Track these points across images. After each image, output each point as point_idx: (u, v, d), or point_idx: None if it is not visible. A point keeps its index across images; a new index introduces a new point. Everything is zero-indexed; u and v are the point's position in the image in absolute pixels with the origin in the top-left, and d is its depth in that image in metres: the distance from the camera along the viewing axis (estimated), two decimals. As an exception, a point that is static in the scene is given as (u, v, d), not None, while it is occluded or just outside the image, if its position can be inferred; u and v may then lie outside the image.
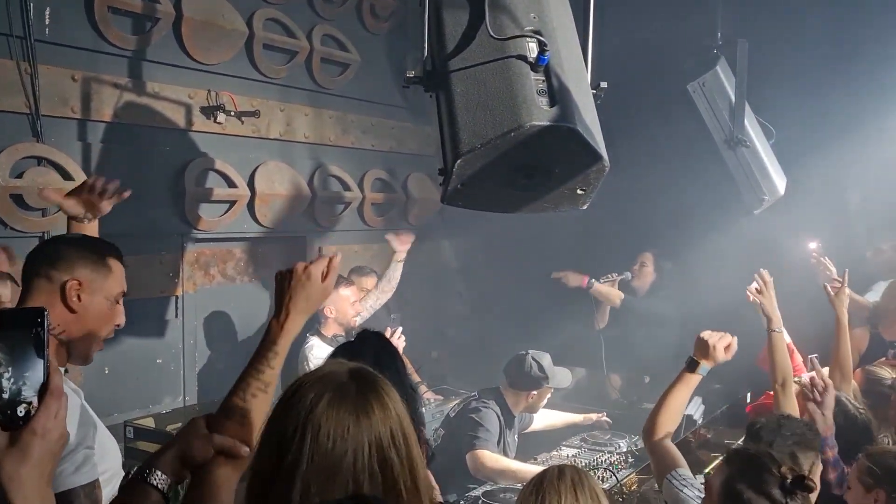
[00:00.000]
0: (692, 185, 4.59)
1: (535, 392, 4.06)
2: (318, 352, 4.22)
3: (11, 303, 4.39)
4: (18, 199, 3.54)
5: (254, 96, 4.78)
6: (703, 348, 2.64)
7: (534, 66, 2.26)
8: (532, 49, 2.29)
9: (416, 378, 2.28)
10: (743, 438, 2.96)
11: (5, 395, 1.18)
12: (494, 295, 6.29)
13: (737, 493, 2.02)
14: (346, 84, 5.45)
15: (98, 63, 3.98)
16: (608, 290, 5.30)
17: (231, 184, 4.58)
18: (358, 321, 4.58)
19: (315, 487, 1.14)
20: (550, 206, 2.48)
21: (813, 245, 4.55)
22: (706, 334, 2.67)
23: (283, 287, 1.60)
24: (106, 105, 4.01)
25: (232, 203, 4.60)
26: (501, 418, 3.98)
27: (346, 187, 5.40)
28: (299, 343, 4.75)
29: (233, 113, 4.58)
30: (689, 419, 4.22)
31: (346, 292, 4.50)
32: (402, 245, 4.87)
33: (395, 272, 4.87)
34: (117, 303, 1.96)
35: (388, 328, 4.40)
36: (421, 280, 5.90)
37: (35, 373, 1.20)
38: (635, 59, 4.35)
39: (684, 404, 2.78)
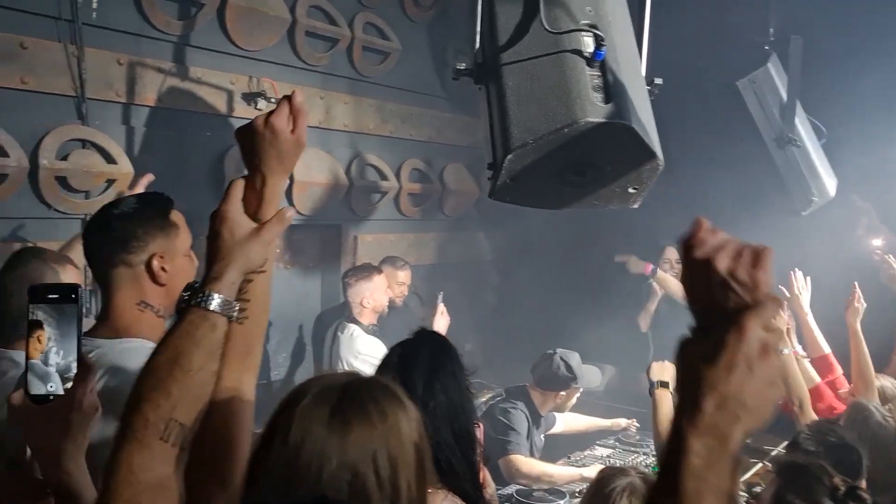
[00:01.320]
0: (739, 184, 4.48)
1: (563, 392, 4.00)
2: (363, 342, 4.22)
3: None
4: (62, 181, 3.55)
5: (294, 83, 4.76)
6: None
7: (589, 61, 2.21)
8: (588, 43, 2.24)
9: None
10: (785, 446, 2.91)
11: (52, 368, 1.22)
12: (529, 288, 6.24)
13: None
14: (387, 72, 5.42)
15: (143, 47, 3.98)
16: (674, 280, 5.03)
17: (270, 171, 4.56)
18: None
19: (275, 490, 1.06)
20: (601, 203, 2.43)
21: (878, 242, 4.43)
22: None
23: (246, 147, 1.34)
24: (149, 89, 4.02)
25: (270, 190, 4.58)
26: (529, 419, 3.94)
27: (384, 177, 5.38)
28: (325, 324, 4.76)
29: (273, 100, 4.56)
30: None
31: (379, 280, 4.50)
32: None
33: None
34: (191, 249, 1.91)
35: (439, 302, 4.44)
36: (455, 272, 5.88)
37: (70, 348, 1.24)
38: (684, 53, 4.25)
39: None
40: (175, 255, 1.85)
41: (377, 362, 4.15)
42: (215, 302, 1.14)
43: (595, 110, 2.13)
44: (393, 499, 1.03)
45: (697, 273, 0.94)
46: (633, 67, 2.38)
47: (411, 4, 5.59)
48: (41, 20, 3.53)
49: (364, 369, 4.34)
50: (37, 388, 1.21)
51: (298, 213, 4.81)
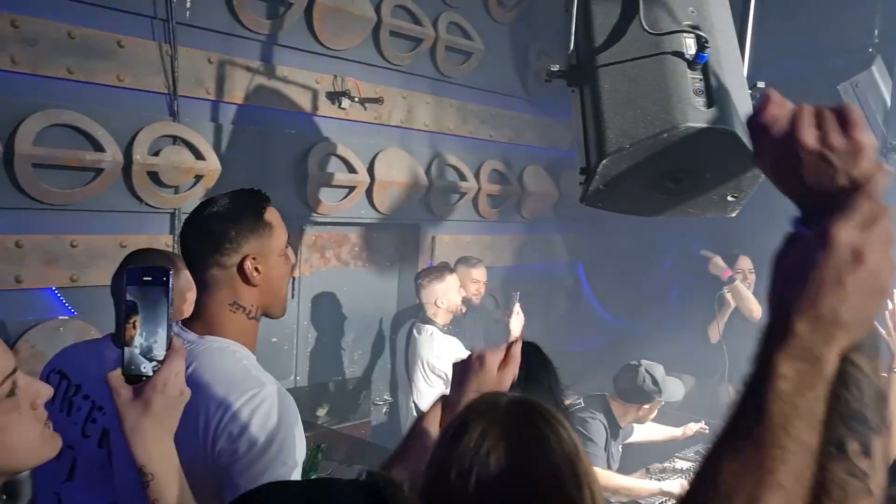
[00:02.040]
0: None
1: (646, 405, 3.90)
2: (442, 342, 4.22)
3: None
4: (153, 176, 3.64)
5: (377, 83, 4.79)
6: None
7: (691, 64, 2.12)
8: (689, 45, 2.15)
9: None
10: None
11: (137, 350, 1.26)
12: (607, 293, 6.13)
13: None
14: (468, 73, 5.40)
15: (232, 46, 4.06)
16: (749, 295, 4.94)
17: (351, 169, 4.60)
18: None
19: None
20: (697, 211, 2.34)
21: None
22: None
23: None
24: (238, 87, 4.10)
25: (351, 188, 4.63)
26: (608, 430, 3.85)
27: (463, 177, 5.36)
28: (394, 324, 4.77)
29: (357, 99, 4.60)
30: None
31: (452, 280, 4.48)
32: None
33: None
34: (287, 247, 1.84)
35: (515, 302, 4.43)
36: (530, 274, 5.82)
37: (162, 332, 1.27)
38: (785, 55, 4.09)
39: None
40: (269, 254, 1.78)
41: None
42: None
43: (697, 115, 2.05)
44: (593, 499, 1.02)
45: (782, 157, 0.81)
46: (735, 71, 2.28)
47: (495, 4, 5.55)
48: (138, 20, 3.63)
49: (447, 369, 4.32)
50: (131, 368, 1.26)
51: (378, 211, 4.83)
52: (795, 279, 0.76)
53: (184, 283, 2.19)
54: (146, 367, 1.26)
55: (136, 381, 1.26)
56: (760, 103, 0.84)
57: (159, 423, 1.25)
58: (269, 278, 1.78)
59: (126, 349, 1.27)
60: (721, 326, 5.01)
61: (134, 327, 1.26)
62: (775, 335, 0.77)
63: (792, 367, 0.75)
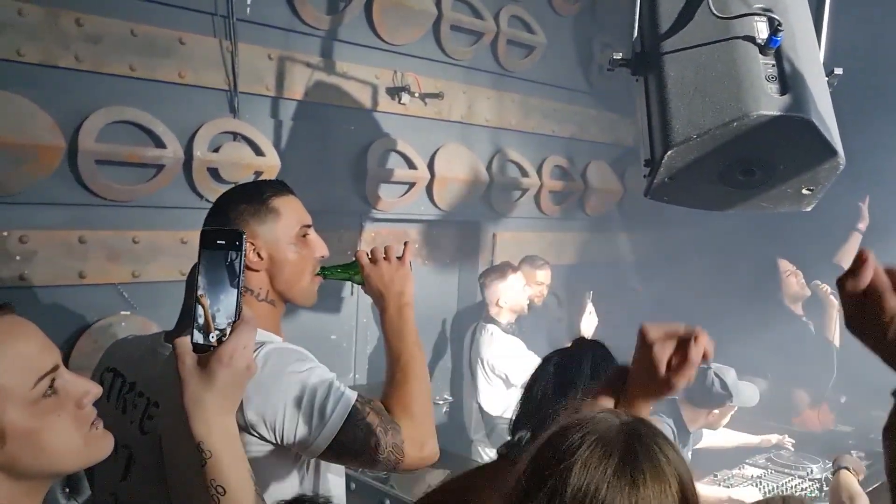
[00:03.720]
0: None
1: (716, 410, 3.74)
2: (503, 341, 4.15)
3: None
4: (213, 172, 3.66)
5: (438, 78, 4.74)
6: None
7: (763, 49, 1.99)
8: (761, 29, 2.02)
9: None
10: None
11: (201, 320, 1.18)
12: (675, 293, 5.94)
13: None
14: (531, 67, 5.29)
15: (292, 42, 4.05)
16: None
17: (411, 165, 4.56)
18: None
19: None
20: (769, 206, 2.20)
21: None
22: None
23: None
24: (297, 83, 4.09)
25: (411, 185, 4.58)
26: (676, 434, 3.70)
27: (525, 173, 5.26)
28: (457, 325, 4.71)
29: (417, 94, 4.55)
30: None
31: (515, 279, 4.41)
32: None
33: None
34: (304, 237, 1.86)
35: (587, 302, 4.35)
36: (594, 274, 5.68)
37: (229, 301, 1.19)
38: (864, 39, 3.86)
39: None
40: (276, 241, 1.83)
41: (520, 361, 4.11)
42: None
43: (770, 102, 1.92)
44: None
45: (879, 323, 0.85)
46: (811, 56, 2.14)
47: (558, -3, 5.44)
48: (198, 16, 3.65)
49: (507, 369, 4.25)
50: (199, 336, 1.19)
51: (438, 208, 4.77)
52: None
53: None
54: (212, 336, 1.18)
55: (204, 350, 1.18)
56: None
57: (222, 398, 1.16)
58: (277, 264, 1.83)
59: (195, 316, 1.20)
60: (835, 329, 4.74)
61: (205, 294, 1.20)
62: None
63: None
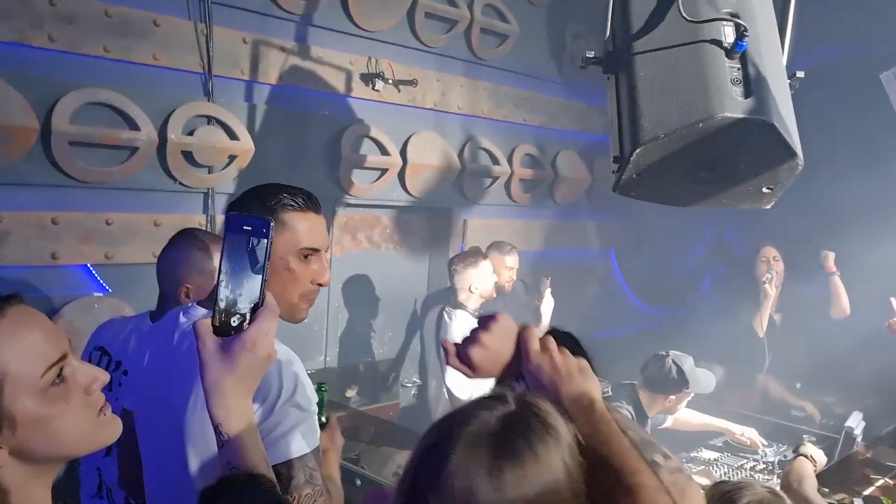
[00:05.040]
0: (876, 183, 4.19)
1: (672, 396, 3.86)
2: (461, 322, 4.21)
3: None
4: (188, 156, 3.67)
5: (411, 65, 4.77)
6: None
7: (729, 53, 2.08)
8: (728, 33, 2.11)
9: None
10: None
11: (222, 304, 1.20)
12: (639, 281, 6.08)
13: None
14: (503, 56, 5.35)
15: (267, 26, 4.06)
16: (842, 291, 4.93)
17: (384, 151, 4.60)
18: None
19: None
20: (731, 202, 2.30)
21: None
22: None
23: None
24: (272, 67, 4.10)
25: (384, 171, 4.62)
26: (634, 419, 3.82)
27: (496, 161, 5.33)
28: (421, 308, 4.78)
29: (391, 81, 4.58)
30: (847, 435, 3.91)
31: (485, 266, 4.47)
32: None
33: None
34: (305, 258, 1.72)
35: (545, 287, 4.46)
36: (562, 261, 5.79)
37: (252, 287, 1.20)
38: (826, 41, 3.99)
39: None
40: (281, 253, 1.70)
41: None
42: None
43: (734, 105, 2.01)
44: None
45: None
46: (774, 59, 2.23)
47: (532, -14, 5.49)
48: (174, -1, 3.65)
49: None
50: (221, 319, 1.20)
51: (410, 194, 4.83)
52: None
53: (212, 265, 2.22)
54: (234, 320, 1.19)
55: (224, 333, 1.20)
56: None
57: (242, 382, 1.20)
58: (278, 276, 1.69)
59: (217, 298, 1.21)
60: (764, 320, 4.93)
61: (228, 277, 1.20)
62: None
63: None
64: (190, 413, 1.52)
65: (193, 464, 1.52)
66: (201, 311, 1.71)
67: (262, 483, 1.05)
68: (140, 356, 1.77)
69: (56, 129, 3.20)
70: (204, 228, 3.72)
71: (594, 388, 1.25)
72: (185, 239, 2.39)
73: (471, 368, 1.28)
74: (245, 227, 1.20)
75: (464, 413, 1.05)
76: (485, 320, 1.33)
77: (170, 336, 1.65)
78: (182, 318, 1.64)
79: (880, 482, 3.48)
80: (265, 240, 1.20)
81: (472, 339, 1.30)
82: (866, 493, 3.31)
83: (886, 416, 4.39)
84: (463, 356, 1.28)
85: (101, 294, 3.46)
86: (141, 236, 3.57)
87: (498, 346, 1.29)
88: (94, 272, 3.45)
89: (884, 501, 2.79)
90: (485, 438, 0.99)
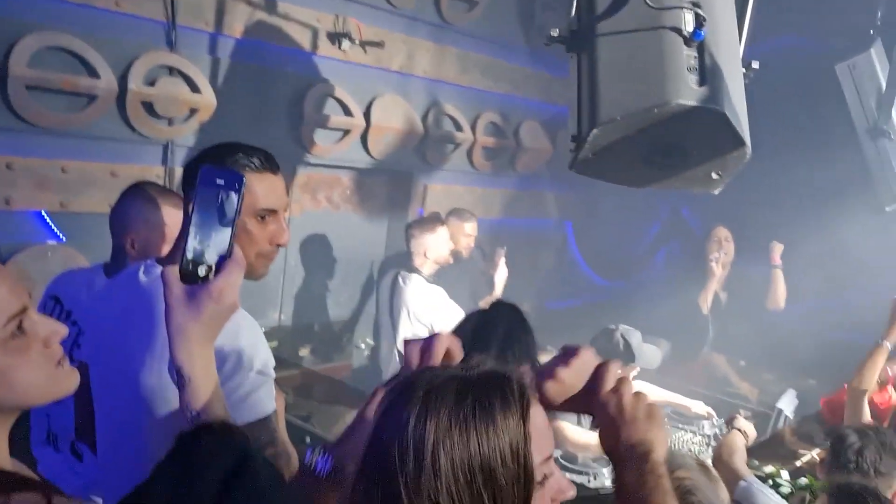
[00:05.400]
0: (824, 172, 4.32)
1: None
2: (427, 291, 4.25)
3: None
4: (148, 106, 3.63)
5: (379, 26, 4.74)
6: None
7: (687, 41, 2.14)
8: (688, 20, 2.16)
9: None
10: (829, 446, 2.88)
11: (189, 254, 1.23)
12: (594, 254, 6.19)
13: None
14: (472, 22, 5.34)
15: (235, -23, 4.00)
16: (781, 283, 5.06)
17: (348, 112, 4.59)
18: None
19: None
20: (682, 186, 2.38)
21: None
22: None
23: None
24: (237, 21, 4.05)
25: (346, 132, 4.62)
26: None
27: (459, 128, 5.35)
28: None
29: (357, 41, 4.55)
30: (779, 412, 4.09)
31: (443, 232, 4.50)
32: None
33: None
34: (262, 219, 1.69)
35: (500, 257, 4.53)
36: (520, 230, 5.87)
37: (220, 239, 1.24)
38: (784, 30, 4.07)
39: None
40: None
41: (444, 312, 4.26)
42: None
43: (688, 93, 2.07)
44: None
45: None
46: (731, 49, 2.30)
47: (503, -47, 5.47)
48: (139, -55, 3.58)
49: (433, 319, 4.39)
50: (188, 267, 1.23)
51: (371, 156, 4.83)
52: (607, 430, 1.23)
53: (167, 221, 2.23)
54: (201, 270, 1.23)
55: (190, 281, 1.23)
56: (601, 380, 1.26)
57: (205, 330, 1.24)
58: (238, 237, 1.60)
59: (186, 248, 1.24)
60: (709, 298, 5.07)
61: (197, 227, 1.23)
62: None
63: None
64: (147, 367, 1.55)
65: (147, 417, 1.55)
66: (160, 269, 1.72)
67: (237, 435, 1.09)
68: (94, 309, 1.79)
69: (13, 73, 3.15)
70: (160, 182, 3.70)
71: (657, 438, 1.20)
72: (135, 191, 2.39)
73: (541, 400, 1.22)
74: (218, 181, 1.24)
75: (433, 370, 1.10)
76: (566, 355, 1.28)
77: (129, 292, 1.67)
78: (142, 277, 1.66)
79: (807, 457, 3.66)
80: (236, 195, 1.24)
81: (549, 372, 1.26)
82: (795, 466, 3.48)
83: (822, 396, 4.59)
84: (539, 387, 1.25)
85: (54, 242, 3.43)
86: (97, 186, 3.54)
87: (573, 380, 1.26)
88: (48, 220, 3.42)
89: (808, 480, 2.94)
90: (452, 395, 1.02)
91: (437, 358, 1.23)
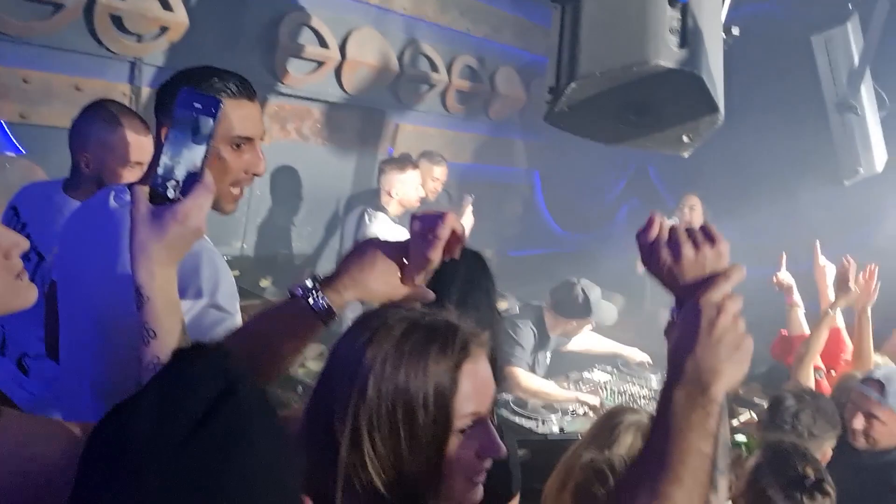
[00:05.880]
0: (791, 142, 4.38)
1: (574, 322, 4.06)
2: (390, 230, 4.25)
3: None
4: (117, 21, 3.52)
5: (362, -43, 4.64)
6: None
7: (672, 2, 2.13)
8: (675, -19, 2.16)
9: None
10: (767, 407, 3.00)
11: (160, 171, 1.23)
12: (559, 205, 6.23)
13: (760, 485, 2.13)
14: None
15: None
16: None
17: (323, 43, 4.51)
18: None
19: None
20: (653, 146, 2.40)
21: None
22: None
23: None
24: (213, -62, 3.92)
25: (320, 63, 4.54)
26: (537, 338, 4.01)
27: (435, 68, 5.29)
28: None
29: (338, -29, 4.45)
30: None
31: (411, 174, 4.48)
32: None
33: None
34: (238, 147, 1.62)
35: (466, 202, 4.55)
36: (488, 176, 5.87)
37: (191, 157, 1.24)
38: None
39: None
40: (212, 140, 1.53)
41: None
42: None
43: (668, 54, 2.07)
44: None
45: (666, 265, 1.15)
46: (714, 13, 2.30)
47: None
48: None
49: None
50: (158, 184, 1.23)
51: (344, 91, 4.76)
52: (684, 335, 1.07)
53: (124, 144, 2.22)
54: (170, 187, 1.23)
55: (159, 201, 1.23)
56: (645, 226, 1.18)
57: (167, 251, 1.24)
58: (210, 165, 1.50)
59: (157, 165, 1.24)
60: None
61: (170, 147, 1.23)
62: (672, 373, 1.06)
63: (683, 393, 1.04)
64: (109, 290, 1.54)
65: (106, 340, 1.56)
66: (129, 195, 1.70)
67: (223, 355, 1.09)
68: (64, 232, 1.77)
69: (-24, -26, 3.02)
70: (125, 100, 3.61)
71: (730, 374, 1.03)
72: (96, 109, 2.34)
73: (648, 259, 1.19)
74: (195, 104, 1.24)
75: (398, 309, 1.15)
76: (708, 237, 1.16)
77: (98, 216, 1.65)
78: (112, 203, 1.64)
79: (744, 417, 3.81)
80: (212, 119, 1.24)
81: (676, 253, 1.15)
82: (731, 424, 3.62)
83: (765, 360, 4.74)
84: (659, 251, 1.17)
85: (13, 154, 3.35)
86: (60, 99, 3.45)
87: (693, 269, 1.14)
88: (7, 131, 3.33)
89: (745, 437, 3.05)
90: (399, 332, 1.08)
91: (444, 239, 1.29)
